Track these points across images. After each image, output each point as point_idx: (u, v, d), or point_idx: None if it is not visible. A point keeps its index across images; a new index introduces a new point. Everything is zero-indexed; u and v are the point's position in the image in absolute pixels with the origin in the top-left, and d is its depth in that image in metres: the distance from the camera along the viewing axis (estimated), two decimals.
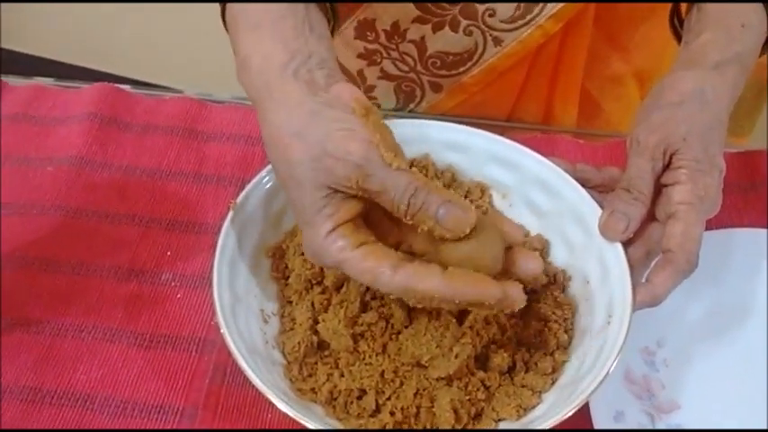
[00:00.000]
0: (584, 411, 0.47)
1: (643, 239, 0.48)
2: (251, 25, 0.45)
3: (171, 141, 0.64)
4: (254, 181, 0.50)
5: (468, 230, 0.40)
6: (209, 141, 0.64)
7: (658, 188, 0.48)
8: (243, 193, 0.50)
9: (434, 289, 0.40)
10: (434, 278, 0.40)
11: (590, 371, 0.43)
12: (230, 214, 0.48)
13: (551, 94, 0.71)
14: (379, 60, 0.70)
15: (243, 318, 0.47)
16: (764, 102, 0.72)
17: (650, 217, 0.48)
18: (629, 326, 0.44)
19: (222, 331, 0.44)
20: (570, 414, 0.41)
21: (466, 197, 0.54)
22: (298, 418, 0.41)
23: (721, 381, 0.51)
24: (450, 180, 0.55)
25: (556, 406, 0.42)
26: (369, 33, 0.67)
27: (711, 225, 0.58)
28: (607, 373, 0.42)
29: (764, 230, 0.58)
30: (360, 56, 0.69)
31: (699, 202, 0.46)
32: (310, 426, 0.41)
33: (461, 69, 0.68)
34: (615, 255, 0.47)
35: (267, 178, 0.51)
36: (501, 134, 0.53)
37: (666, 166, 0.48)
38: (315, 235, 0.41)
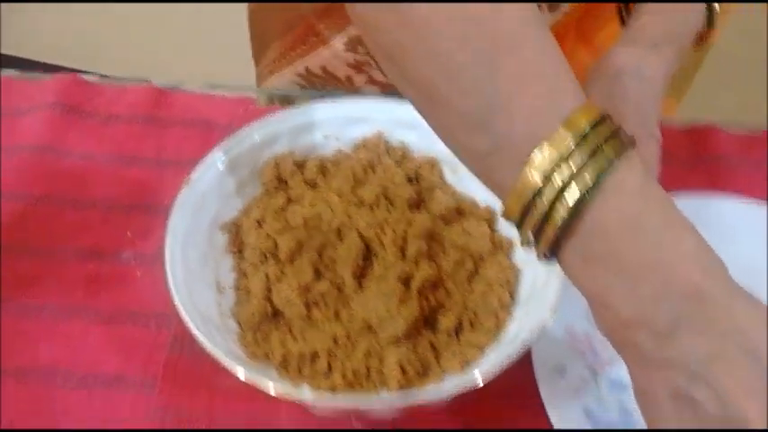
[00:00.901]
0: (527, 366, 0.49)
1: None
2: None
3: (132, 129, 0.65)
4: (209, 158, 0.52)
5: None
6: (169, 127, 0.65)
7: None
8: (197, 170, 0.51)
9: None
10: None
11: (530, 326, 0.45)
12: (183, 190, 0.50)
13: None
14: (367, 69, 0.71)
15: (197, 290, 0.48)
16: (698, 69, 0.76)
17: None
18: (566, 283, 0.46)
19: (175, 302, 0.46)
20: (511, 363, 0.43)
21: (417, 173, 0.56)
22: (250, 380, 0.43)
23: None
24: (401, 157, 0.57)
25: (497, 358, 0.44)
26: (359, 47, 0.69)
27: None
28: (545, 326, 0.44)
29: (711, 198, 0.60)
30: (349, 65, 0.71)
31: None
32: (265, 385, 0.42)
33: None
34: None
35: (223, 157, 0.53)
36: None
37: None
38: None
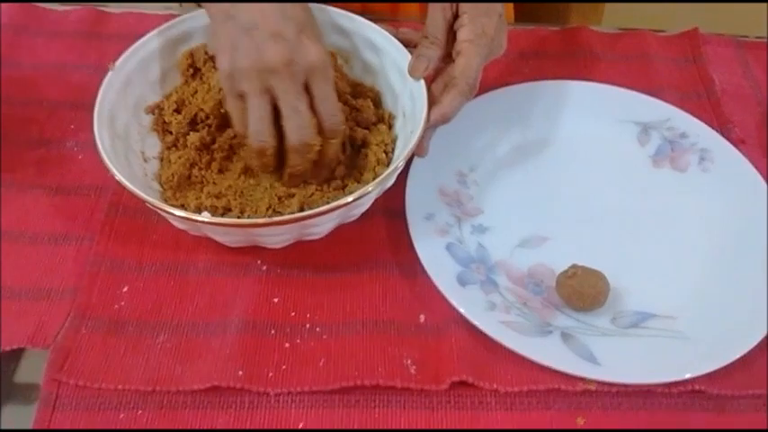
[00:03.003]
0: (402, 220, 0.60)
1: (442, 76, 0.60)
2: None
3: (75, 42, 0.75)
4: (133, 47, 0.61)
5: None
6: (108, 40, 0.75)
7: (454, 34, 0.60)
8: (122, 57, 0.60)
9: None
10: None
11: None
12: (110, 73, 0.59)
13: None
14: None
15: (122, 154, 0.57)
16: None
17: (449, 58, 0.60)
18: (422, 134, 0.56)
19: (108, 166, 0.54)
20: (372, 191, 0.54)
21: None
22: (166, 208, 0.52)
23: (519, 195, 0.64)
24: None
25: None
26: None
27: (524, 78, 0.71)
28: (404, 159, 0.54)
29: (568, 81, 0.70)
30: None
31: (477, 39, 0.58)
32: (176, 212, 0.52)
33: None
34: (419, 89, 0.59)
35: (144, 46, 0.62)
36: None
37: (456, 15, 0.59)
38: None
